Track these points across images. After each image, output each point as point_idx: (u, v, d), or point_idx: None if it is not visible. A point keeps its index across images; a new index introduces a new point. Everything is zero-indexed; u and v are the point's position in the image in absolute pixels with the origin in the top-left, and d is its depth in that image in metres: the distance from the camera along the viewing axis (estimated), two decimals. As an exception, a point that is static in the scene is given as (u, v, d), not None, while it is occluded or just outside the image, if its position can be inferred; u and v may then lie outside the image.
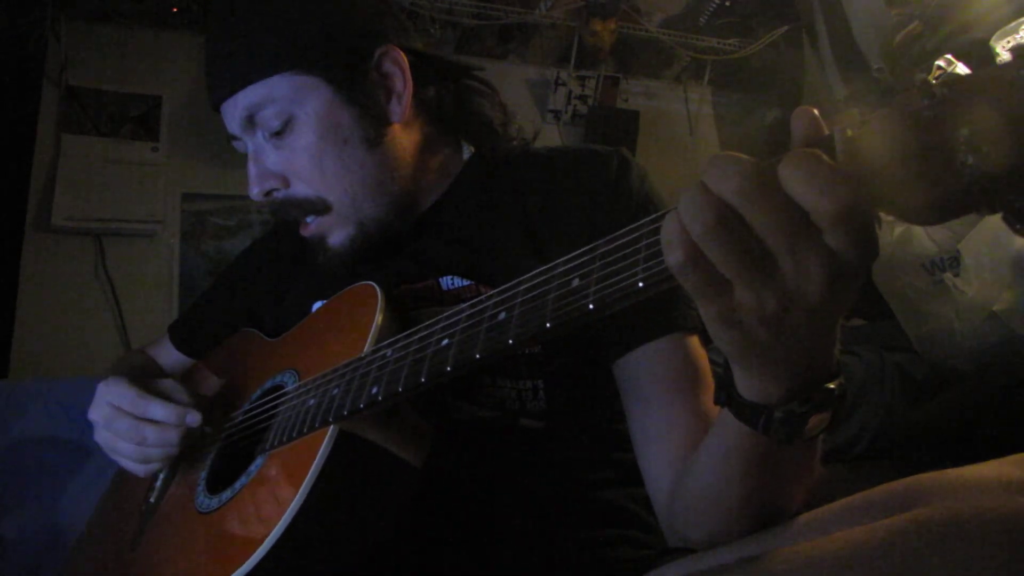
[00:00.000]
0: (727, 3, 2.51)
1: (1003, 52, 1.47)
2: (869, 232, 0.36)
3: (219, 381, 0.89)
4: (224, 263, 1.86)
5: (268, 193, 0.80)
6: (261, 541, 0.59)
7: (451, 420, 0.72)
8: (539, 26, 2.44)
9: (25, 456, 1.34)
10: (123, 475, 0.96)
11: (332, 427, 0.62)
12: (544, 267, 0.51)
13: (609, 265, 0.45)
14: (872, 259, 0.37)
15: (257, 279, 0.99)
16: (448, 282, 0.77)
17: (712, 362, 0.72)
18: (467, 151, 0.89)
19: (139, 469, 0.77)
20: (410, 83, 0.80)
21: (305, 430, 0.64)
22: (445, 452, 0.67)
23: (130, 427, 0.74)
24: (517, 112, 0.92)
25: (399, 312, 0.72)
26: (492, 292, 0.54)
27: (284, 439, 0.66)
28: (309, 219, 0.80)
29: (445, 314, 0.58)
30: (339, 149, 0.77)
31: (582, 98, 2.56)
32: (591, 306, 0.44)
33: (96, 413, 0.77)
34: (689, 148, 2.76)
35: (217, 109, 0.81)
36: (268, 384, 0.79)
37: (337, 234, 0.80)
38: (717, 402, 0.50)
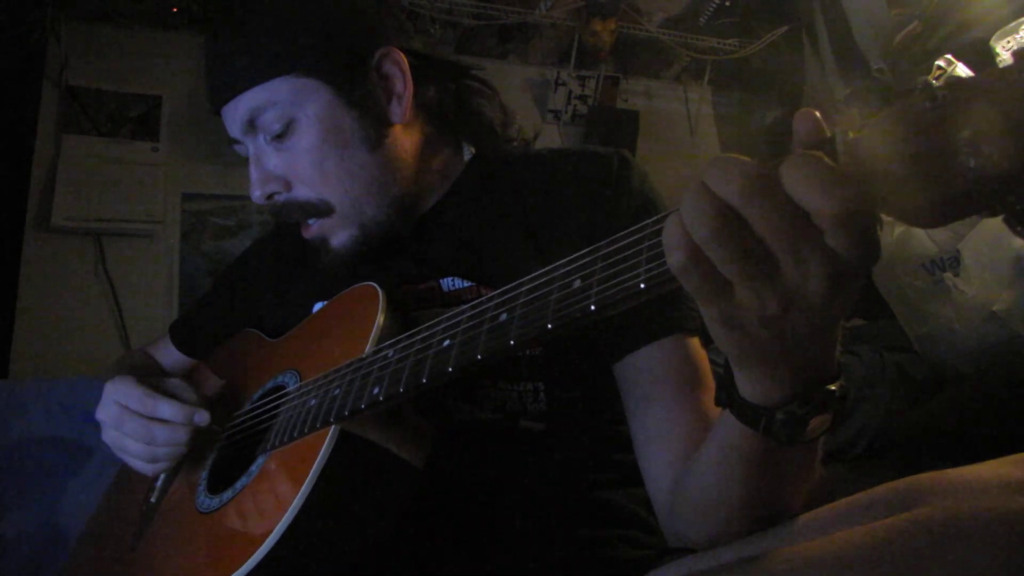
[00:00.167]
0: (727, 3, 2.51)
1: (1003, 52, 1.47)
2: (870, 234, 0.36)
3: (220, 381, 0.89)
4: (224, 263, 1.87)
5: (270, 196, 0.80)
6: (262, 541, 0.59)
7: (452, 421, 0.72)
8: (539, 26, 2.44)
9: (25, 456, 1.34)
10: (124, 475, 0.96)
11: (333, 427, 0.62)
12: (545, 268, 0.51)
13: (611, 266, 0.45)
14: (873, 261, 0.37)
15: (258, 279, 0.99)
16: (449, 283, 0.77)
17: (713, 363, 0.72)
18: (468, 152, 0.89)
19: (147, 468, 0.77)
20: (410, 84, 0.80)
21: (306, 430, 0.64)
22: (446, 453, 0.67)
23: (139, 426, 0.74)
24: (517, 112, 0.92)
25: (400, 313, 0.72)
26: (493, 293, 0.55)
27: (285, 439, 0.66)
28: (311, 221, 0.80)
29: (446, 315, 0.59)
30: (340, 151, 0.77)
31: (582, 98, 2.56)
32: (593, 307, 0.44)
33: (104, 413, 0.77)
34: (689, 148, 2.76)
35: (217, 113, 0.81)
36: (269, 384, 0.79)
37: (339, 235, 0.80)
38: (718, 403, 0.50)
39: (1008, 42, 1.48)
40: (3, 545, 1.24)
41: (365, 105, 0.78)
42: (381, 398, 0.58)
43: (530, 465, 0.73)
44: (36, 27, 1.87)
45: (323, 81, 0.76)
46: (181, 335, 1.06)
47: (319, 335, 0.79)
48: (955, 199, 0.33)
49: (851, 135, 0.36)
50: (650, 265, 0.42)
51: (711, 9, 2.52)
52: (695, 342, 0.72)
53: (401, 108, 0.80)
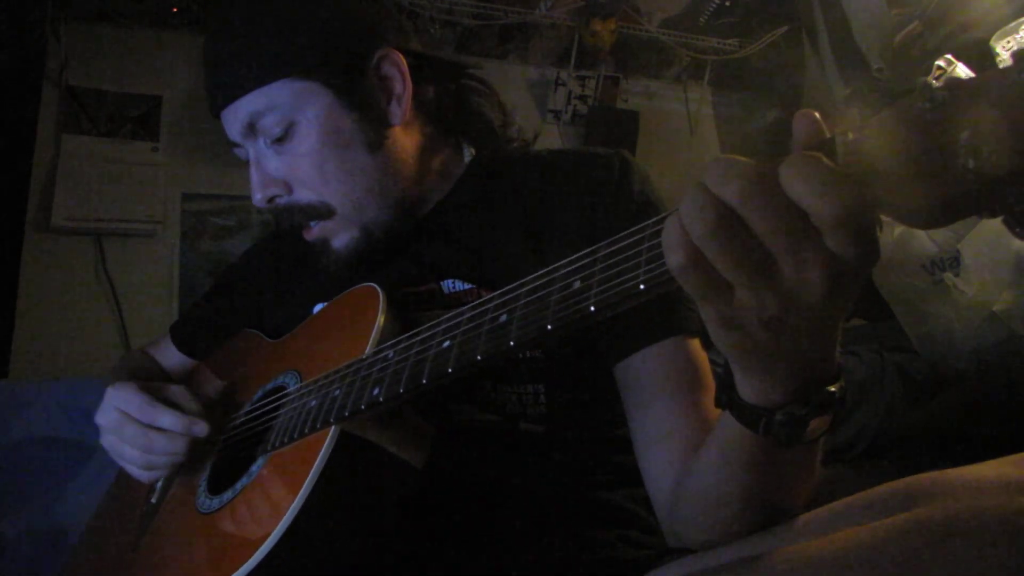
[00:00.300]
0: (727, 3, 2.51)
1: (1003, 53, 1.47)
2: (870, 235, 0.36)
3: (221, 382, 0.89)
4: (224, 263, 1.87)
5: (271, 200, 0.80)
6: (262, 541, 0.59)
7: (452, 422, 0.72)
8: (539, 26, 2.44)
9: (25, 456, 1.34)
10: (124, 475, 0.96)
11: (333, 428, 0.62)
12: (545, 269, 0.51)
13: (611, 267, 0.45)
14: (873, 262, 0.37)
15: (258, 280, 0.99)
16: (449, 285, 0.77)
17: (713, 364, 0.72)
18: (468, 153, 0.89)
19: (144, 475, 0.77)
20: (409, 85, 0.80)
21: (306, 431, 0.64)
22: (446, 454, 0.67)
23: (137, 434, 0.74)
24: (517, 112, 0.92)
25: (400, 314, 0.72)
26: (493, 294, 0.55)
27: (285, 440, 0.67)
28: (312, 223, 0.80)
29: (446, 316, 0.59)
30: (341, 154, 0.77)
31: (582, 98, 2.56)
32: (592, 308, 0.44)
33: (104, 418, 0.77)
34: (689, 148, 2.76)
35: (217, 116, 0.81)
36: (270, 385, 0.79)
37: (340, 237, 0.80)
38: (718, 404, 0.50)
39: (1008, 42, 1.48)
40: (3, 545, 1.24)
41: (365, 107, 0.78)
42: (381, 399, 0.58)
43: (530, 466, 0.73)
44: (36, 27, 1.87)
45: (322, 84, 0.76)
46: (182, 335, 1.06)
47: (319, 336, 0.79)
48: (954, 200, 0.33)
49: (850, 136, 0.36)
50: (650, 266, 0.42)
51: (711, 9, 2.52)
52: (696, 344, 0.72)
53: (401, 109, 0.80)
